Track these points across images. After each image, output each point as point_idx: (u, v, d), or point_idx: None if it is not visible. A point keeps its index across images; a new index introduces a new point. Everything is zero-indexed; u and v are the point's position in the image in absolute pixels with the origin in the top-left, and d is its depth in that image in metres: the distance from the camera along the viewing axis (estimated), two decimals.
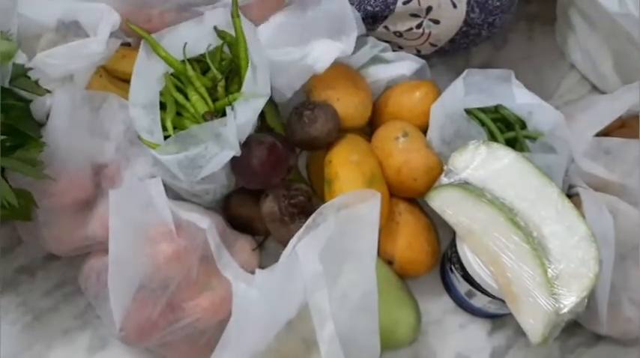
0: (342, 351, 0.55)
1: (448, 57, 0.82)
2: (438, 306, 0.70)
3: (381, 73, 0.75)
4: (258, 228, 0.66)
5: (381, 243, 0.66)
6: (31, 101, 0.59)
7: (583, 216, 0.58)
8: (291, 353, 0.58)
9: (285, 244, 0.64)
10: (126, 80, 0.70)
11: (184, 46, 0.62)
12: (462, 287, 0.65)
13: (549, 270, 0.55)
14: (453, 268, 0.66)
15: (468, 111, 0.67)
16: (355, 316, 0.57)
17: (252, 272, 0.60)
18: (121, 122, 0.64)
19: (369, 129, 0.74)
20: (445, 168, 0.63)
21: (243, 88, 0.60)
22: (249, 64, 0.63)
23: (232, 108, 0.59)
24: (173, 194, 0.64)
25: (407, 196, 0.69)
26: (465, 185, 0.61)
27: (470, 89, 0.68)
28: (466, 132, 0.65)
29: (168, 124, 0.60)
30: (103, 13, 0.65)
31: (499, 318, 0.69)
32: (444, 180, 0.62)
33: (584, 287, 0.54)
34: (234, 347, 0.56)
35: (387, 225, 0.66)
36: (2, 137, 0.54)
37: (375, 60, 0.76)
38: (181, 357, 0.61)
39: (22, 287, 0.66)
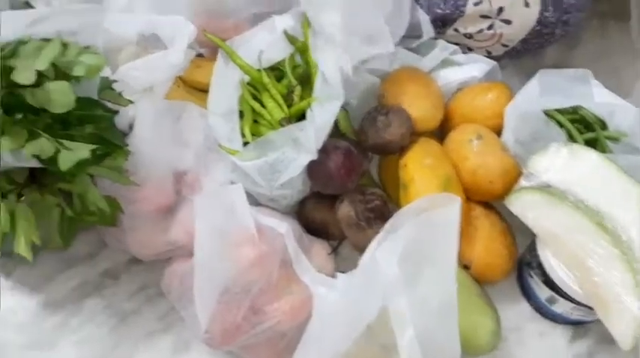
0: (421, 356, 0.55)
1: (519, 57, 0.81)
2: (516, 313, 0.68)
3: (451, 76, 0.75)
4: (333, 232, 0.67)
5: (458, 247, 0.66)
6: (117, 112, 0.61)
7: None
8: (368, 357, 0.59)
9: (361, 249, 0.65)
10: (201, 89, 0.73)
11: (260, 54, 0.63)
12: (543, 293, 0.64)
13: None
14: (533, 273, 0.64)
15: (545, 113, 0.66)
16: (435, 321, 0.56)
17: (329, 277, 0.61)
18: (200, 130, 0.66)
19: (439, 132, 0.74)
20: (525, 171, 0.62)
21: (315, 93, 0.61)
22: (319, 70, 0.64)
23: (311, 112, 0.60)
24: (251, 199, 0.65)
25: (483, 200, 0.68)
26: (546, 188, 0.59)
27: (545, 90, 0.67)
28: (544, 134, 0.64)
29: (247, 131, 0.62)
30: (180, 26, 0.67)
31: (581, 326, 0.67)
32: (523, 183, 0.61)
33: None
34: (315, 350, 0.57)
35: (464, 230, 0.65)
36: (94, 147, 0.56)
37: (446, 63, 0.76)
38: None
39: (106, 291, 0.69)
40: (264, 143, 0.59)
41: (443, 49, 0.75)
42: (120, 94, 0.63)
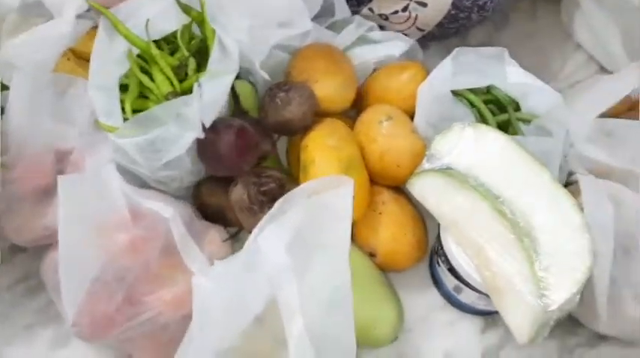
0: (312, 348, 0.51)
1: (440, 41, 0.77)
2: (425, 302, 0.65)
3: (367, 54, 0.71)
4: (230, 218, 0.62)
5: (363, 234, 0.62)
6: None
7: (580, 205, 0.53)
8: (260, 351, 0.54)
9: None
10: None
11: (147, 23, 0.58)
12: (449, 281, 0.60)
13: (537, 263, 0.49)
14: (440, 261, 0.61)
15: (457, 93, 0.62)
16: (327, 311, 0.53)
17: None
18: (87, 106, 0.61)
19: (355, 113, 0.70)
20: (427, 152, 0.58)
21: (209, 66, 0.57)
22: (216, 42, 0.59)
23: (199, 86, 0.55)
24: (139, 182, 0.60)
25: (390, 184, 0.64)
26: (448, 171, 0.56)
27: (461, 69, 0.63)
28: (453, 115, 0.60)
29: (127, 107, 0.57)
30: None
31: (491, 316, 0.64)
32: (425, 165, 0.57)
33: (575, 282, 0.48)
34: (197, 345, 0.52)
35: (369, 215, 0.62)
36: None
37: (362, 40, 0.72)
38: (145, 354, 0.58)
39: None
40: (146, 119, 0.54)
41: (359, 25, 0.71)
42: None
